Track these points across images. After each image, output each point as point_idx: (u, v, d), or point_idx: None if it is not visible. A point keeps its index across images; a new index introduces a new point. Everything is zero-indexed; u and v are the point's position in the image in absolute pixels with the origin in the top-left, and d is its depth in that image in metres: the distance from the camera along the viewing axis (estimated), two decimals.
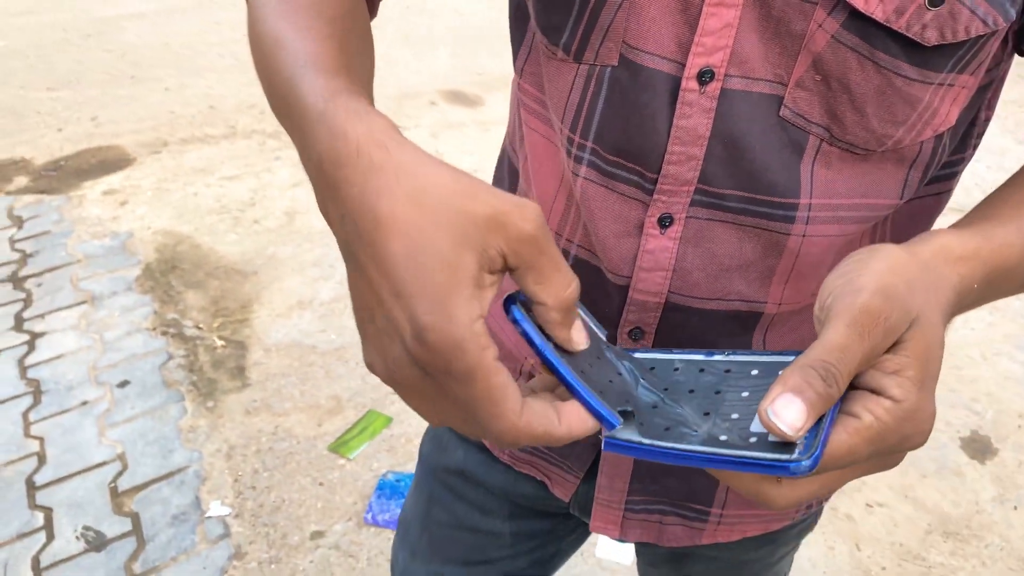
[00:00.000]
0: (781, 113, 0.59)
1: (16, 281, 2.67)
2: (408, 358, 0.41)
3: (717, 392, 0.49)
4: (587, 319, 0.49)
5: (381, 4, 0.72)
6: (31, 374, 2.31)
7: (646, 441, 0.46)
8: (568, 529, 0.93)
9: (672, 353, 0.53)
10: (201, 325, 2.51)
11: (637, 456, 0.46)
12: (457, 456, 0.89)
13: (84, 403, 2.21)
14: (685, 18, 0.58)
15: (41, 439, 2.10)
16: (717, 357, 0.52)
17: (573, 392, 0.45)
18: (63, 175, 3.25)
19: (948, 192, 0.69)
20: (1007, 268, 0.54)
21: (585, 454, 0.79)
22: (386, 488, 1.96)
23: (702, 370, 0.51)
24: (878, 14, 0.53)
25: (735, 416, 0.46)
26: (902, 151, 0.60)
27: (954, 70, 0.56)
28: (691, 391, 0.50)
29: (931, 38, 0.54)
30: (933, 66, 0.55)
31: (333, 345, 2.43)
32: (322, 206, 0.45)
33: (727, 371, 0.50)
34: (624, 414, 0.47)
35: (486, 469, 0.87)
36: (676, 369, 0.52)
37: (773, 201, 0.61)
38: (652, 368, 0.52)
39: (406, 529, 0.97)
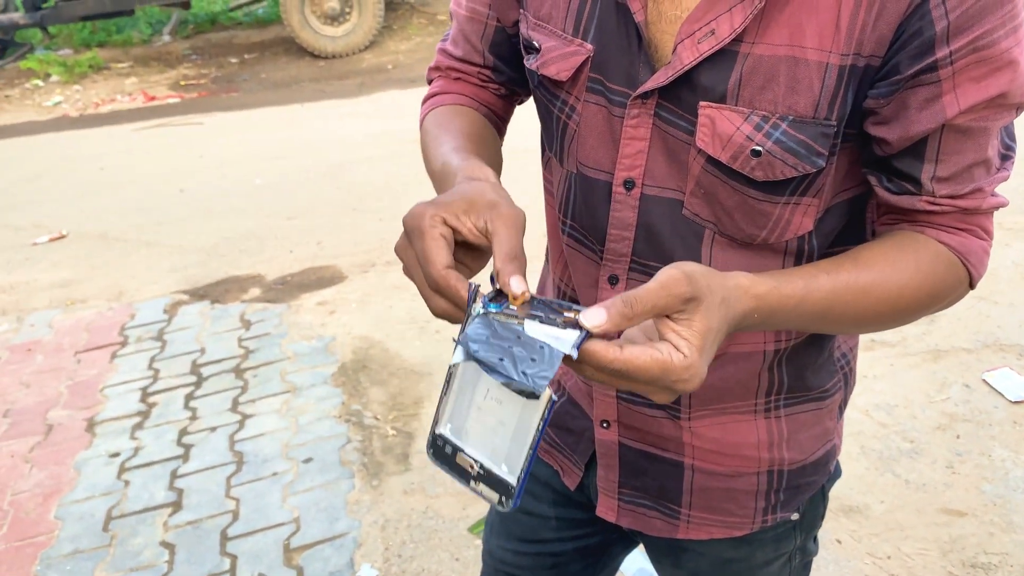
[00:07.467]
0: (683, 212, 0.82)
1: (238, 372, 3.18)
2: (402, 236, 0.72)
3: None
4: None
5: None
6: (237, 447, 2.73)
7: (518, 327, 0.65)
8: (610, 527, 1.09)
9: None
10: (378, 417, 2.85)
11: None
12: None
13: (274, 474, 2.59)
14: (613, 145, 0.83)
15: (237, 499, 2.49)
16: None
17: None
18: (288, 288, 3.84)
19: None
20: (784, 311, 0.73)
21: (584, 447, 1.01)
22: None
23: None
24: (723, 158, 0.76)
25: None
26: (772, 245, 0.82)
27: (795, 194, 0.78)
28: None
29: (759, 176, 0.76)
30: (772, 191, 0.77)
31: None
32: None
33: None
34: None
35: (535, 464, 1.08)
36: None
37: None
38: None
39: (489, 514, 1.22)
